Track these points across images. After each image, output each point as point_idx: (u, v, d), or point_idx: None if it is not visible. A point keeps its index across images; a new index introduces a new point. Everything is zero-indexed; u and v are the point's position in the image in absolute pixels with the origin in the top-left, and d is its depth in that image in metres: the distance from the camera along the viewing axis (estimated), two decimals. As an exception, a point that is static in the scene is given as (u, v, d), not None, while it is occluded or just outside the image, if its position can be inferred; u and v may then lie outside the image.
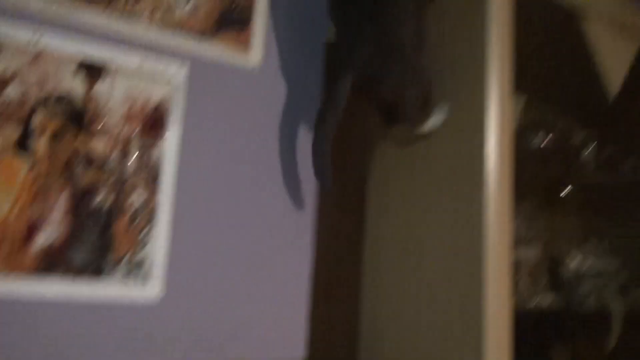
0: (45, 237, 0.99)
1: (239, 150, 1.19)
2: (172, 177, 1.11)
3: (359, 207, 1.36)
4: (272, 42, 1.27)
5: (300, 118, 1.30)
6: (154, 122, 1.09)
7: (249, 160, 1.20)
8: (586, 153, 1.51)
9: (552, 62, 1.56)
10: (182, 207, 1.12)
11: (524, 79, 1.72)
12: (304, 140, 1.29)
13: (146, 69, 1.09)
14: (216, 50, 1.18)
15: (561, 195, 1.67)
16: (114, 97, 1.06)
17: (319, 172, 1.05)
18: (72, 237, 1.01)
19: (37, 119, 1.00)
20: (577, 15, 1.28)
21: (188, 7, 1.15)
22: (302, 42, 1.32)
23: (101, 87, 1.05)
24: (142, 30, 1.09)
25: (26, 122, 0.99)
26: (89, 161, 1.04)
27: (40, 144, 1.00)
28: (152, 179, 1.09)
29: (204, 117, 1.16)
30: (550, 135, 1.44)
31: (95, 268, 1.02)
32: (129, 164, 1.07)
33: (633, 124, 1.65)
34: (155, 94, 1.10)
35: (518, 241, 1.53)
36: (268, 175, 1.23)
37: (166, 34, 1.12)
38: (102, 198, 1.04)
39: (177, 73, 1.12)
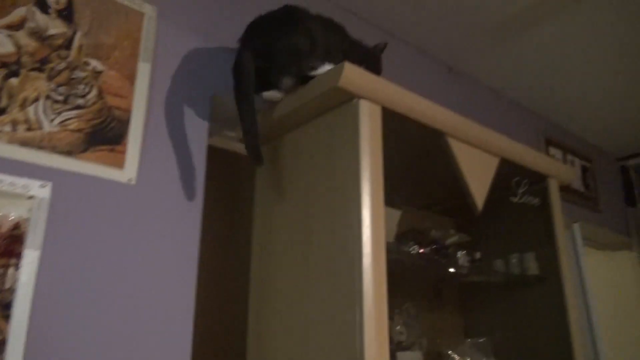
0: None
1: (108, 267, 1.12)
2: (28, 304, 1.01)
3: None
4: (149, 155, 1.24)
5: (182, 228, 1.26)
6: (8, 245, 1.00)
7: (118, 280, 1.13)
8: (460, 256, 1.60)
9: (425, 176, 1.67)
10: (39, 338, 1.01)
11: (401, 190, 1.84)
12: (185, 250, 1.25)
13: (3, 188, 1.01)
14: (87, 167, 1.13)
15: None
16: (-39, 219, 0.97)
17: (251, 149, 1.19)
18: None
19: None
20: (443, 133, 1.39)
21: (56, 123, 1.10)
22: (181, 153, 1.31)
23: (-53, 208, 0.96)
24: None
25: None
26: None
27: None
28: (4, 307, 0.98)
29: (70, 237, 1.08)
30: (427, 242, 1.52)
31: None
32: (-25, 293, 0.96)
33: (498, 230, 1.79)
34: (13, 214, 1.02)
35: (401, 343, 1.55)
36: (143, 294, 1.16)
37: (29, 151, 1.06)
38: (-62, 334, 0.92)
39: (39, 192, 1.05)
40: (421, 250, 1.41)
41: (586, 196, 2.76)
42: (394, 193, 1.57)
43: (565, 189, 2.58)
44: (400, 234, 1.51)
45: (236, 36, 1.51)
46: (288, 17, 1.29)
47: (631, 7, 1.85)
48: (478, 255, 1.70)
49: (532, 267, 1.70)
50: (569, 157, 2.72)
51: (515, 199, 1.61)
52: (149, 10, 1.31)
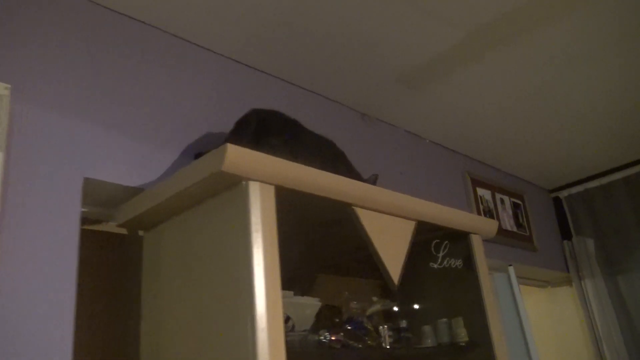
0: None
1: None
2: None
3: None
4: (6, 258, 1.14)
5: (51, 335, 1.16)
6: None
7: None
8: (382, 331, 1.56)
9: (339, 244, 1.64)
10: None
11: (316, 262, 1.80)
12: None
13: None
14: None
15: None
16: None
17: None
18: None
19: None
20: (349, 204, 1.36)
21: None
22: (48, 247, 1.21)
23: None
24: None
25: None
26: None
27: None
28: None
29: None
30: (342, 322, 1.48)
31: None
32: None
33: (424, 293, 1.78)
34: None
35: None
36: None
37: None
38: None
39: None
40: (333, 337, 1.35)
41: (519, 236, 2.82)
42: (305, 269, 1.53)
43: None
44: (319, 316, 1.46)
45: (102, 109, 1.42)
46: (293, 125, 1.55)
47: (542, 51, 1.93)
48: (404, 323, 1.66)
49: (461, 333, 1.69)
50: (498, 195, 2.78)
51: (435, 265, 1.60)
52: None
